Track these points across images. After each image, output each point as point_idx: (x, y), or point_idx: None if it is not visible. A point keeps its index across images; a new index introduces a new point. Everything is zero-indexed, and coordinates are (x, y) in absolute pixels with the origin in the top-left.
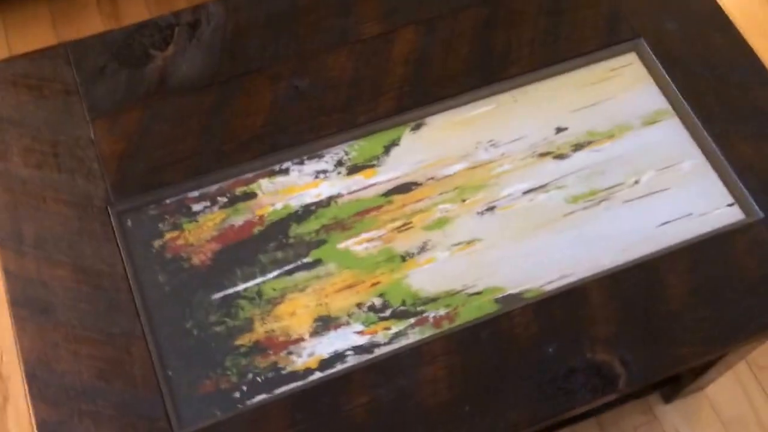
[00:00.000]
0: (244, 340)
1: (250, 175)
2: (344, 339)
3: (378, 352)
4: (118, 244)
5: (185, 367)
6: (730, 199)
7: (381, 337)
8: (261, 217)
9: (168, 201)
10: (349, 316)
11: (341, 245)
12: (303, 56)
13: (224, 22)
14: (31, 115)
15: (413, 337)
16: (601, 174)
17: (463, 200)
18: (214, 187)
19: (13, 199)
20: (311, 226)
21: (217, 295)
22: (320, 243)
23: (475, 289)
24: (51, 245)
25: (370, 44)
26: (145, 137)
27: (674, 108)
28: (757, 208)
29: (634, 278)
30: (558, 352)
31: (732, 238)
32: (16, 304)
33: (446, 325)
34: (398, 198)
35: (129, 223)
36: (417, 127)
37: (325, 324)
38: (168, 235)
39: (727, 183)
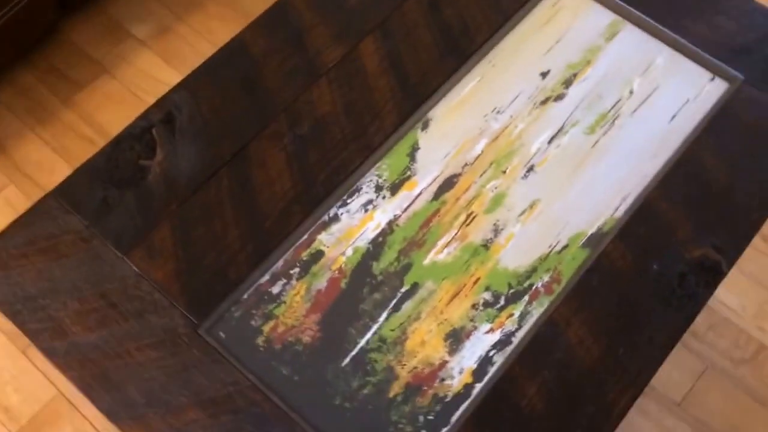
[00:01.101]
0: (396, 389)
1: (305, 237)
2: (481, 343)
3: (516, 340)
4: (227, 360)
5: None
6: (710, 75)
7: (510, 325)
8: (340, 269)
9: (246, 296)
10: (472, 320)
11: (426, 261)
12: (288, 105)
13: (195, 105)
14: (62, 278)
15: (537, 311)
16: (599, 98)
17: (504, 171)
18: (279, 264)
19: (100, 370)
20: (389, 256)
21: (346, 361)
22: (407, 268)
23: (561, 245)
24: (164, 394)
25: (341, 68)
26: (188, 247)
27: (623, 17)
28: (734, 72)
29: (681, 173)
30: (661, 267)
31: (731, 106)
32: None
33: (557, 288)
34: (448, 195)
35: (223, 335)
36: (425, 126)
37: (456, 338)
38: (266, 328)
39: (700, 62)
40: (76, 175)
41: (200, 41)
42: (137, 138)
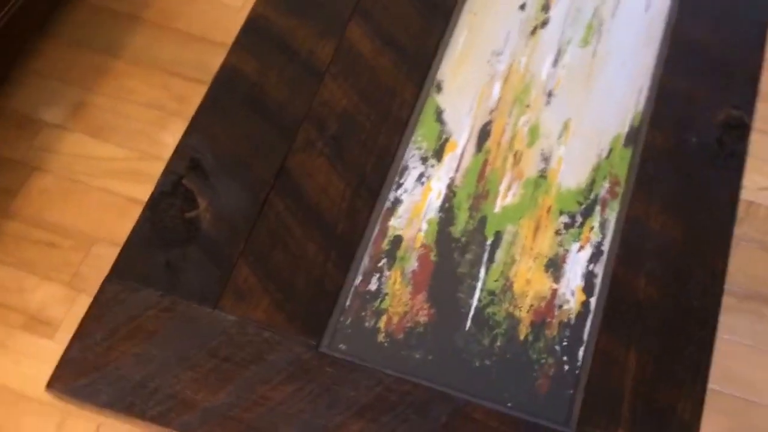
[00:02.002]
0: (524, 330)
1: (378, 229)
2: (578, 261)
3: (607, 247)
4: (360, 366)
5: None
6: None
7: (595, 237)
8: (423, 245)
9: (348, 302)
10: (561, 245)
11: (496, 209)
12: (305, 112)
13: (213, 143)
14: (162, 354)
15: (612, 216)
16: (579, 11)
17: (527, 105)
18: (365, 261)
19: (243, 424)
20: (462, 217)
21: (468, 325)
22: (483, 221)
23: (606, 151)
24: (318, 420)
25: (339, 61)
26: (274, 277)
27: None
28: None
29: (678, 50)
30: (698, 137)
31: None
32: None
33: (620, 189)
34: (489, 144)
35: (344, 346)
36: (439, 88)
37: (554, 266)
38: (381, 324)
39: None
40: (128, 250)
41: (123, 105)
42: (172, 194)
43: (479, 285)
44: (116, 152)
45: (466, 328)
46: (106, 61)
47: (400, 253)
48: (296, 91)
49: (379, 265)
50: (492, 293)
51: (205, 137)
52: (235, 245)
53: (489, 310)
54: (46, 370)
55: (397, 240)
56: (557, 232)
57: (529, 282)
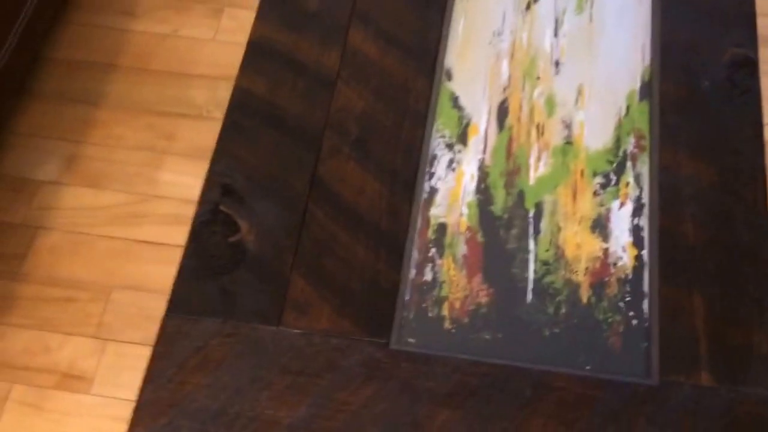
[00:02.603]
0: (585, 293)
1: (420, 220)
2: (622, 218)
3: (646, 199)
4: (433, 356)
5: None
6: None
7: (633, 191)
8: (468, 228)
9: (407, 296)
10: (602, 204)
11: (531, 182)
12: (325, 121)
13: (242, 165)
14: (235, 380)
15: (644, 169)
16: None
17: (537, 78)
18: (415, 254)
19: None
20: (500, 195)
21: (529, 298)
22: (521, 196)
23: (623, 108)
24: (404, 416)
25: (348, 67)
26: (330, 285)
27: None
28: None
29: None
30: (709, 80)
31: None
32: None
33: (646, 143)
34: (509, 120)
35: (413, 340)
36: (449, 76)
37: (600, 225)
38: (444, 312)
39: None
40: (179, 285)
41: (113, 151)
42: (211, 222)
43: (531, 257)
44: (116, 198)
45: (528, 301)
46: (89, 111)
47: (447, 240)
48: (311, 102)
49: (429, 255)
50: (546, 263)
51: (232, 162)
52: (284, 260)
53: (546, 279)
54: (90, 424)
55: (442, 228)
56: (595, 194)
57: (580, 246)
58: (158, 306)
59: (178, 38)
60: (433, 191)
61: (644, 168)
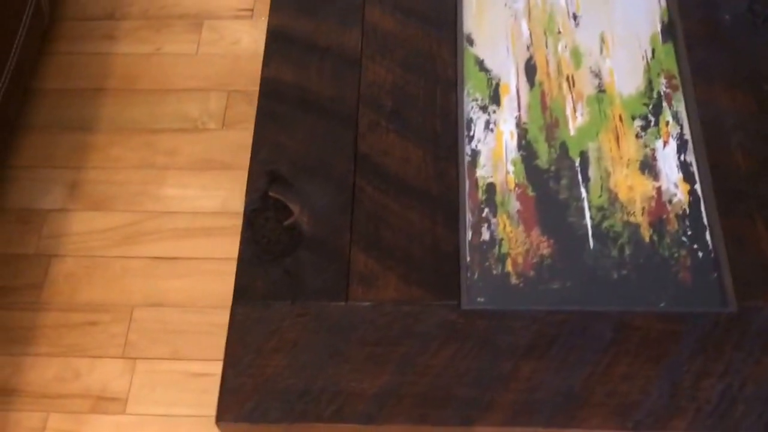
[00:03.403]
0: (646, 232)
1: (468, 182)
2: (668, 156)
3: (688, 135)
4: (504, 311)
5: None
6: None
7: (674, 129)
8: (516, 185)
9: (468, 258)
10: (646, 145)
11: (572, 132)
12: (358, 98)
13: (284, 151)
14: (315, 357)
15: (680, 106)
16: None
17: (558, 32)
18: (469, 216)
19: (425, 395)
20: (543, 148)
21: (591, 243)
22: (564, 147)
23: (649, 51)
24: (492, 371)
25: (370, 44)
26: (391, 254)
27: None
28: None
29: None
30: (730, 13)
31: None
32: None
33: (677, 81)
34: (539, 77)
35: (482, 299)
36: (471, 41)
37: (648, 165)
38: (508, 268)
39: None
40: (241, 273)
41: (114, 173)
42: (263, 209)
43: (585, 205)
44: (124, 219)
45: (591, 247)
46: (84, 137)
47: (498, 199)
48: (341, 82)
49: (483, 215)
50: (601, 208)
51: (273, 149)
52: (341, 237)
53: (605, 224)
54: None
55: (490, 187)
56: (637, 136)
57: (632, 188)
58: (181, 320)
59: (161, 56)
60: (475, 153)
61: (680, 106)
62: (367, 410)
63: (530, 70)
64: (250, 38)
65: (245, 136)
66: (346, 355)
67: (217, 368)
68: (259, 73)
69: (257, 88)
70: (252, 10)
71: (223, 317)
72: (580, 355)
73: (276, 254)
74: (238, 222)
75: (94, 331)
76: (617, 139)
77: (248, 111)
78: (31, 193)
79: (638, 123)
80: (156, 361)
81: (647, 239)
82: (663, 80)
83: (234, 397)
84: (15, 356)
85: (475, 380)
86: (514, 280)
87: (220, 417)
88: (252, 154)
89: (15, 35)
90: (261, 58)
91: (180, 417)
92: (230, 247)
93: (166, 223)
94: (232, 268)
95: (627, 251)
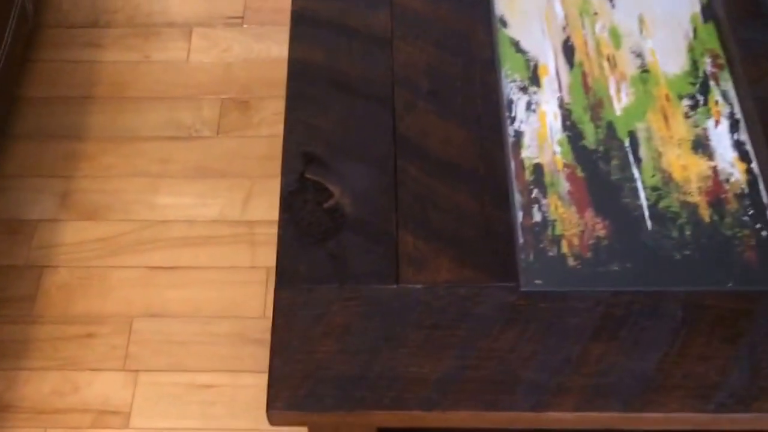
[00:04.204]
0: (705, 213)
1: (514, 164)
2: (720, 135)
3: (738, 113)
4: (569, 293)
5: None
6: None
7: (724, 108)
8: (565, 165)
9: (521, 240)
10: (696, 125)
11: (618, 113)
12: (392, 79)
13: (318, 132)
14: (366, 341)
15: (728, 85)
16: None
17: (595, 13)
18: (517, 197)
19: (486, 381)
20: (589, 129)
21: (649, 225)
22: (611, 127)
23: (691, 30)
24: (556, 354)
25: (401, 22)
26: (441, 236)
27: None
28: None
29: None
30: None
31: None
32: None
33: (722, 60)
34: (578, 57)
35: (540, 281)
36: (504, 23)
37: (700, 145)
38: (564, 250)
39: None
40: (283, 257)
41: (107, 182)
42: (301, 191)
43: (639, 185)
44: (118, 228)
45: (649, 228)
46: (74, 146)
47: (547, 180)
48: (373, 64)
49: (533, 196)
50: (656, 189)
51: (307, 131)
52: (387, 219)
53: (662, 204)
54: None
55: (538, 168)
56: (686, 116)
57: (686, 167)
58: (183, 330)
59: (151, 63)
60: (519, 134)
61: (728, 85)
62: (429, 396)
63: (568, 51)
64: (241, 45)
65: (241, 143)
66: (402, 339)
67: (222, 379)
68: (252, 80)
69: (251, 96)
70: (242, 17)
71: (226, 327)
72: (652, 336)
73: (318, 237)
74: (237, 230)
75: (92, 344)
76: (666, 119)
77: (242, 118)
78: (21, 203)
79: (686, 102)
80: (159, 373)
81: (707, 219)
82: (708, 60)
83: (284, 384)
84: (8, 371)
85: (543, 364)
86: (571, 261)
87: (271, 405)
88: (285, 135)
89: (1, 40)
90: (253, 66)
91: (186, 430)
92: (230, 255)
93: (162, 232)
94: (233, 277)
95: (687, 231)
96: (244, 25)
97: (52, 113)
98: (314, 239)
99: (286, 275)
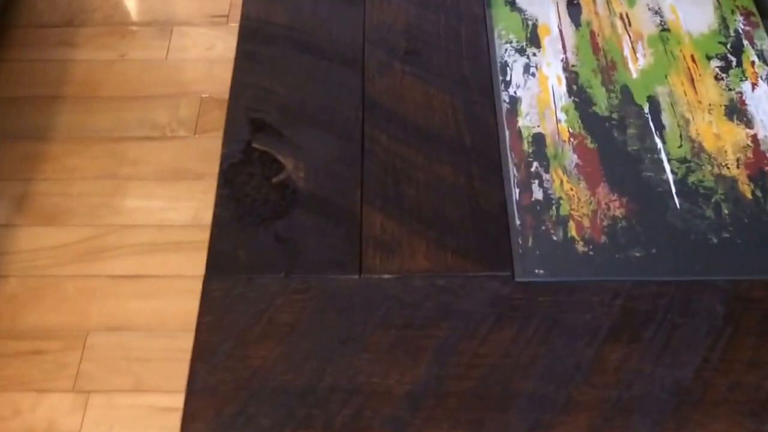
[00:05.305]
0: (745, 188)
1: (509, 133)
2: (758, 97)
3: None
4: (576, 283)
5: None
6: None
7: (761, 69)
8: (572, 135)
9: (518, 222)
10: (729, 89)
11: (634, 75)
12: (362, 35)
13: (270, 92)
14: (320, 335)
15: (765, 45)
16: None
17: None
18: (513, 171)
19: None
20: (600, 94)
21: (677, 201)
22: (626, 91)
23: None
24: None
25: None
26: (418, 218)
27: None
28: None
29: None
30: None
31: None
32: None
33: (755, 18)
34: (585, 15)
35: (540, 270)
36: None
37: (735, 111)
38: (571, 232)
39: None
40: (218, 240)
41: (70, 185)
42: (245, 163)
43: (663, 156)
44: (79, 234)
45: (678, 206)
46: (37, 147)
47: (549, 152)
48: (342, 22)
49: (532, 170)
50: (684, 160)
51: (257, 94)
52: (350, 195)
53: (691, 179)
54: None
55: (539, 138)
56: (717, 78)
57: (719, 136)
58: (145, 345)
59: (127, 62)
60: (515, 100)
61: (765, 44)
62: (396, 414)
63: (574, 8)
64: (225, 44)
65: (219, 144)
66: (364, 342)
67: None
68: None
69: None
70: (227, 15)
71: None
72: (687, 336)
73: (263, 216)
74: None
75: (39, 361)
76: (692, 81)
77: (223, 117)
78: None
79: (716, 63)
80: (115, 394)
81: (749, 195)
82: (739, 17)
83: (208, 400)
84: None
85: (546, 373)
86: (581, 247)
87: (187, 426)
88: (230, 100)
89: None
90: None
91: None
92: (202, 263)
93: (128, 238)
94: None
95: (725, 210)
96: (230, 24)
97: (18, 113)
98: (258, 219)
99: (220, 262)
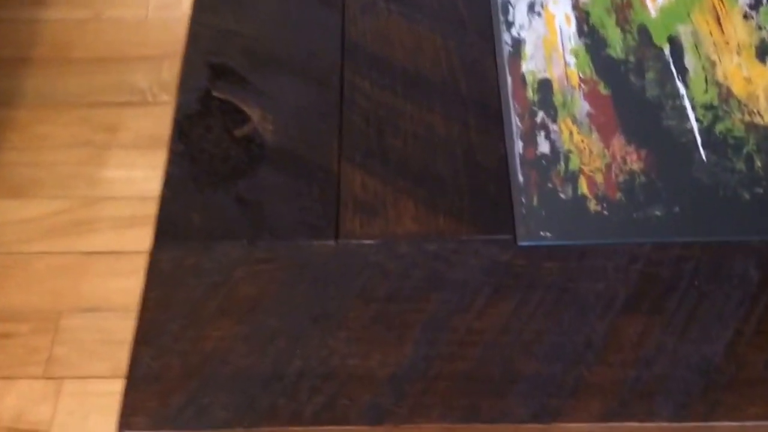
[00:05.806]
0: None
1: (511, 79)
2: None
3: None
4: (592, 246)
5: None
6: None
7: None
8: (582, 80)
9: (521, 178)
10: (760, 28)
11: (653, 15)
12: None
13: (231, 35)
14: (297, 305)
15: None
16: None
17: None
18: (516, 122)
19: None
20: (614, 35)
21: (702, 154)
22: (644, 32)
23: None
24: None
25: None
26: (409, 172)
27: None
28: None
29: None
30: None
31: None
32: None
33: None
34: None
35: (548, 233)
36: None
37: (766, 50)
38: (582, 189)
39: None
40: (169, 202)
41: (40, 153)
42: (204, 114)
43: (687, 103)
44: (50, 206)
45: (704, 158)
46: (2, 113)
47: (557, 99)
48: None
49: (537, 120)
50: (710, 107)
51: (218, 35)
52: (326, 149)
53: (719, 127)
54: None
55: (545, 84)
56: (746, 16)
57: (751, 80)
58: (123, 326)
59: (102, 22)
60: (518, 43)
61: None
62: (377, 402)
63: None
64: None
65: None
66: (341, 318)
67: None
68: None
69: None
70: None
71: None
72: (717, 305)
73: (224, 175)
74: None
75: (6, 345)
76: (718, 20)
77: None
78: None
79: (744, 0)
80: (90, 381)
81: None
82: None
83: (151, 389)
84: None
85: (551, 351)
86: (593, 205)
87: (126, 421)
88: (187, 45)
89: None
90: None
91: None
92: None
93: (105, 211)
94: None
95: (758, 163)
96: None
97: None
98: (217, 178)
99: (170, 228)
